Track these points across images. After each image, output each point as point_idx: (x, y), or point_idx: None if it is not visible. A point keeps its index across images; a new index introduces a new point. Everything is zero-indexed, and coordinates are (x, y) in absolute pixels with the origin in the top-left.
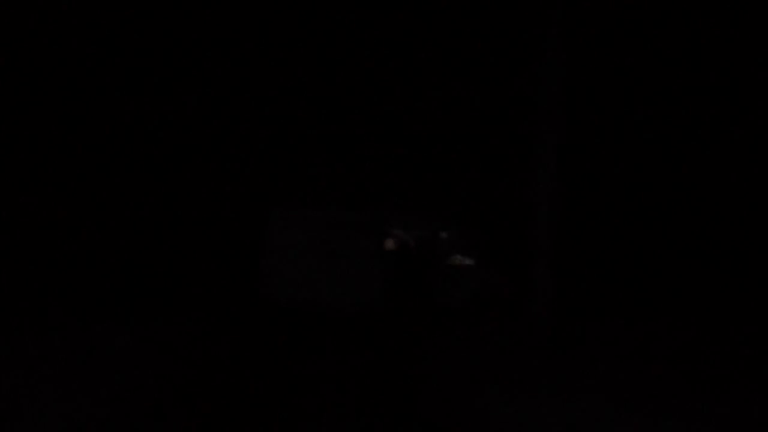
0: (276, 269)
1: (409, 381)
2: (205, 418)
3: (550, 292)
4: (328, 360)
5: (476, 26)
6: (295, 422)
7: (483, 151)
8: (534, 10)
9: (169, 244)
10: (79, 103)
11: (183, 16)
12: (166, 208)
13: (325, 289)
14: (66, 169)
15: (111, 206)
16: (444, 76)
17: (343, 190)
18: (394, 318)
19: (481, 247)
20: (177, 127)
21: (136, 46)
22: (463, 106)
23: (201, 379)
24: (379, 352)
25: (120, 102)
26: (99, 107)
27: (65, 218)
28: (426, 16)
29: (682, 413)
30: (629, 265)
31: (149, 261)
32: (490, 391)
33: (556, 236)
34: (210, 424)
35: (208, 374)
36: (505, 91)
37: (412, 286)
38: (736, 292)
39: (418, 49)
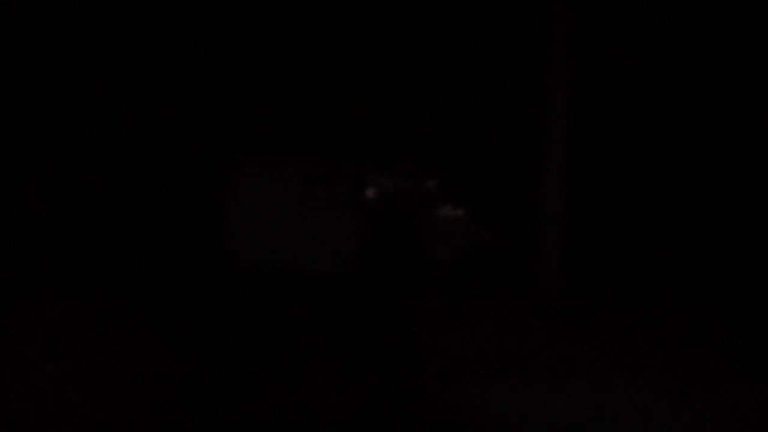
0: (240, 225)
1: (402, 368)
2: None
3: (559, 260)
4: (301, 347)
5: (479, 18)
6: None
7: (477, 100)
8: (538, 4)
9: (117, 200)
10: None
11: None
12: (114, 156)
13: (298, 248)
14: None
15: (52, 151)
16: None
17: (317, 133)
18: (379, 280)
19: (472, 199)
20: (125, 61)
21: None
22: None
23: (152, 365)
24: (364, 328)
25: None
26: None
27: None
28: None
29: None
30: (639, 238)
31: (97, 223)
32: (499, 381)
33: (567, 201)
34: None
35: (160, 359)
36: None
37: (396, 241)
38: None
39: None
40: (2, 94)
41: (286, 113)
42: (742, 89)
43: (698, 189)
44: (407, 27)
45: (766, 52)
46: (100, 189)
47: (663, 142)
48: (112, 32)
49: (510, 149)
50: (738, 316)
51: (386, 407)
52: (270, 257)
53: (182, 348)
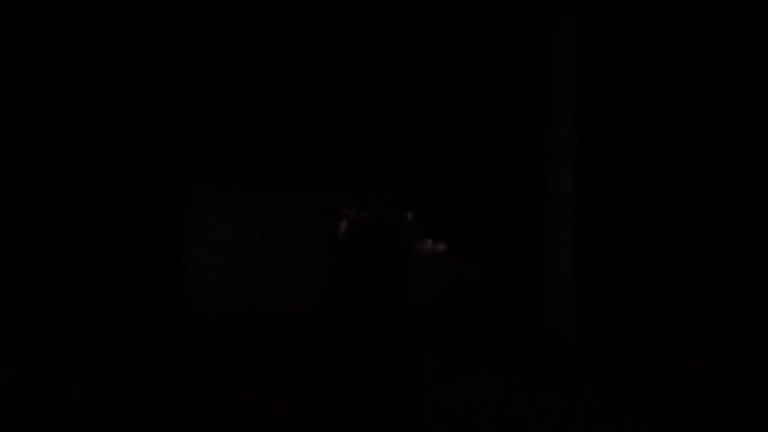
0: (195, 266)
1: None
2: None
3: (572, 292)
4: (263, 408)
5: (485, 18)
6: None
7: (463, 120)
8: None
9: (67, 236)
10: None
11: None
12: (59, 192)
13: (260, 290)
14: None
15: None
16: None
17: (283, 159)
18: (351, 324)
19: (456, 232)
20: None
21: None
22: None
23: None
24: (338, 387)
25: None
26: None
27: None
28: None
29: None
30: (648, 262)
31: (44, 261)
32: None
33: (577, 229)
34: None
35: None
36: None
37: (371, 280)
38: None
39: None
40: None
41: (249, 137)
42: (762, 96)
43: (713, 207)
44: (384, 38)
45: None
46: (38, 222)
47: (677, 159)
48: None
49: (500, 175)
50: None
51: None
52: (229, 301)
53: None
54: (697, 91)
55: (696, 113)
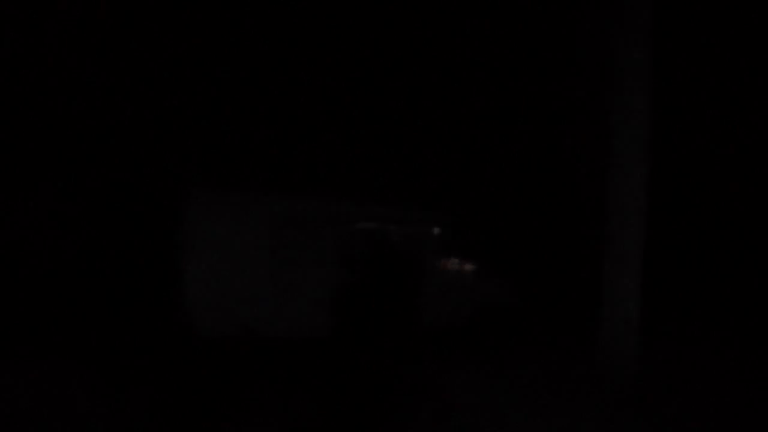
0: (197, 282)
1: None
2: None
3: (637, 319)
4: None
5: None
6: None
7: (491, 124)
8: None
9: (50, 248)
10: None
11: None
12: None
13: (265, 313)
14: None
15: None
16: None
17: (290, 166)
18: (368, 354)
19: (484, 248)
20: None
21: None
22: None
23: None
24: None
25: None
26: None
27: None
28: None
29: None
30: (725, 277)
31: (26, 278)
32: None
33: (645, 244)
34: None
35: None
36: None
37: (388, 301)
38: None
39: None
40: None
41: (253, 141)
42: None
43: None
44: (400, 30)
45: None
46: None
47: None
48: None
49: (533, 187)
50: None
51: None
52: (229, 323)
53: None
54: None
55: None
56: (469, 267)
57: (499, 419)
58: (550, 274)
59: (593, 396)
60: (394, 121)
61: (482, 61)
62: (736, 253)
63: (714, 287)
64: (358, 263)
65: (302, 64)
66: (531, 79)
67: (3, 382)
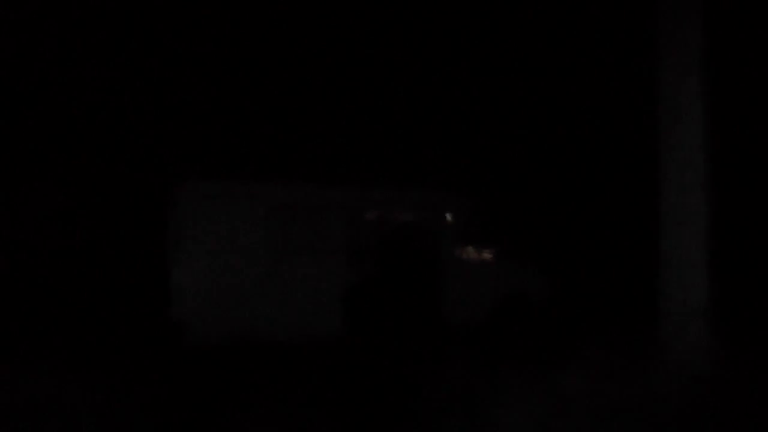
0: (188, 282)
1: None
2: None
3: (703, 313)
4: None
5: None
6: None
7: (515, 97)
8: None
9: (26, 245)
10: None
11: None
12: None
13: (267, 313)
14: None
15: None
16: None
17: (293, 150)
18: (382, 355)
19: (508, 235)
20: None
21: None
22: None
23: None
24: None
25: None
26: None
27: None
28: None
29: None
30: None
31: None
32: None
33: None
34: None
35: None
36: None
37: (403, 296)
38: None
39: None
40: None
41: (252, 123)
42: None
43: None
44: (414, 12)
45: None
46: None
47: None
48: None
49: (556, 165)
50: None
51: None
52: (227, 325)
53: None
54: None
55: None
56: (489, 255)
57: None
58: (572, 264)
59: (664, 397)
60: (403, 107)
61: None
62: None
63: None
64: (365, 254)
65: (297, 37)
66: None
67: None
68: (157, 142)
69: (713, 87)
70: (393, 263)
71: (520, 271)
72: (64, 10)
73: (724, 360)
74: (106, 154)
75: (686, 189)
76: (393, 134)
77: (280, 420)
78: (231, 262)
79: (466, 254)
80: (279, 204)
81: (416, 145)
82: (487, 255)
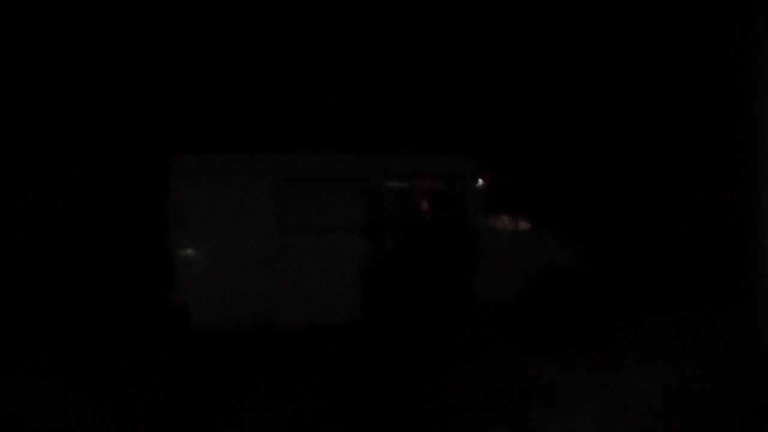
0: (191, 264)
1: None
2: None
3: None
4: None
5: None
6: None
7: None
8: None
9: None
10: None
11: None
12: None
13: (277, 296)
14: None
15: None
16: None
17: (301, 123)
18: (401, 336)
19: (544, 202)
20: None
21: None
22: None
23: None
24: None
25: None
26: None
27: None
28: None
29: None
30: None
31: None
32: None
33: None
34: None
35: None
36: None
37: (426, 275)
38: None
39: None
40: None
41: (252, 92)
42: None
43: None
44: None
45: None
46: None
47: None
48: None
49: (599, 124)
50: None
51: None
52: (234, 310)
53: None
54: None
55: None
56: (522, 225)
57: None
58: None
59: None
60: (419, 61)
61: None
62: None
63: None
64: (386, 229)
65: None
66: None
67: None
68: (157, 115)
69: None
70: (417, 237)
71: (558, 243)
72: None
73: None
74: (100, 123)
75: None
76: (411, 94)
77: (282, 415)
78: (237, 242)
79: (498, 223)
80: (288, 177)
81: (436, 105)
82: (521, 225)
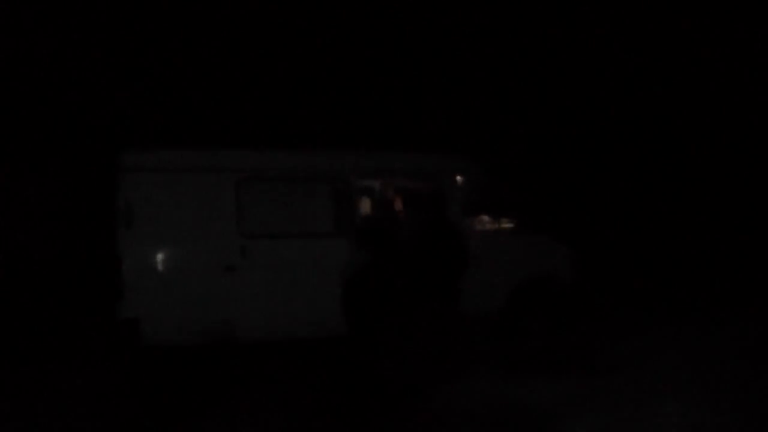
0: (144, 271)
1: None
2: None
3: None
4: None
5: None
6: None
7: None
8: None
9: None
10: None
11: None
12: None
13: (243, 307)
14: None
15: None
16: None
17: (270, 117)
18: (379, 350)
19: (531, 203)
20: None
21: None
22: None
23: None
24: None
25: None
26: None
27: None
28: None
29: None
30: None
31: None
32: None
33: None
34: None
35: None
36: None
37: (407, 281)
38: None
39: None
40: None
41: (221, 85)
42: None
43: None
44: None
45: None
46: None
47: None
48: None
49: (581, 122)
50: None
51: None
52: (195, 322)
53: None
54: None
55: None
56: (504, 227)
57: None
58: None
59: None
60: (396, 56)
61: None
62: None
63: None
64: (362, 232)
65: None
66: None
67: None
68: (108, 111)
69: None
70: (393, 242)
71: (543, 248)
72: None
73: None
74: (48, 124)
75: None
76: (388, 91)
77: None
78: (194, 247)
79: (479, 225)
80: (252, 175)
81: (415, 102)
82: (503, 227)
